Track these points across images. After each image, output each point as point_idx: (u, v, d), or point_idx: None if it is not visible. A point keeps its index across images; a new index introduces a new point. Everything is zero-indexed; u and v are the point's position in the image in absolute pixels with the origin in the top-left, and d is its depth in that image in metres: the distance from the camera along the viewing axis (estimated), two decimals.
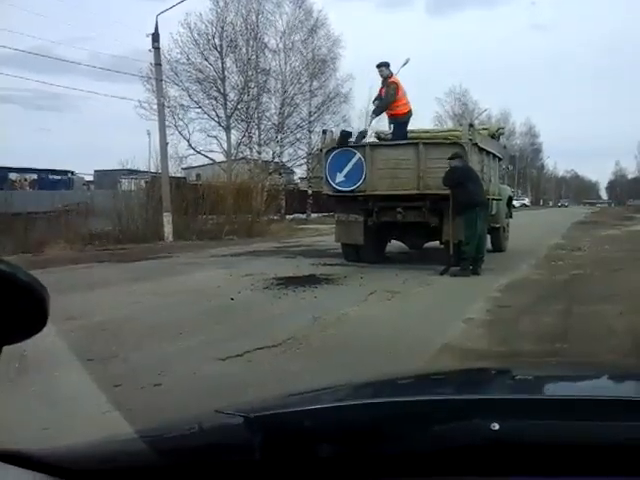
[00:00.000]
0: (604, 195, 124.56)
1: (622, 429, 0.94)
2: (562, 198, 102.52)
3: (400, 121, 10.62)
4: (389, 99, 10.45)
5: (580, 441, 0.92)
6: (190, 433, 1.09)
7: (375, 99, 10.97)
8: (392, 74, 10.60)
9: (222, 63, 27.85)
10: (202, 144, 27.80)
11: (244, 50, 28.15)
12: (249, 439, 0.97)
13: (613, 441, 0.91)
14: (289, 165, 31.75)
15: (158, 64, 18.06)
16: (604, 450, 0.90)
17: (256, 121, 28.75)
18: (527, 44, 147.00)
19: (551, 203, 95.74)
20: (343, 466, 0.94)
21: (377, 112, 11.00)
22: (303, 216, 29.98)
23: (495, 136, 12.57)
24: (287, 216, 27.55)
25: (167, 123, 20.38)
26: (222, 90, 27.87)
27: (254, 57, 28.35)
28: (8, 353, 0.72)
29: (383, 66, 10.65)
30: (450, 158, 9.09)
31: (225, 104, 27.92)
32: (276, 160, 29.48)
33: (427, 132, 11.56)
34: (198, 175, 28.60)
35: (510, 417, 0.97)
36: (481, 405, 1.08)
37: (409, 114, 10.76)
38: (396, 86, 10.43)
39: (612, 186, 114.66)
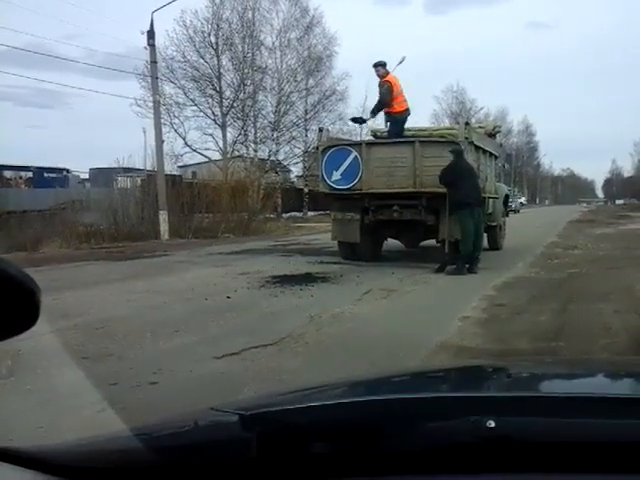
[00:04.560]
0: (600, 194, 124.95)
1: (618, 426, 0.94)
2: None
3: (397, 119, 10.63)
4: (384, 98, 10.51)
5: (576, 438, 0.92)
6: (185, 431, 1.08)
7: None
8: (388, 73, 10.60)
9: (218, 61, 27.86)
10: (198, 142, 27.83)
11: (240, 48, 28.19)
12: (244, 437, 0.97)
13: (609, 438, 0.91)
14: (285, 163, 31.80)
15: (154, 62, 18.05)
16: (600, 447, 0.90)
17: (252, 119, 28.77)
18: (525, 43, 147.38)
19: (547, 202, 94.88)
20: (338, 464, 0.93)
21: (374, 112, 11.03)
22: (299, 214, 29.99)
23: (492, 134, 12.59)
24: (283, 214, 27.56)
25: (163, 121, 20.42)
26: (218, 88, 27.85)
27: (250, 55, 28.36)
28: (1, 351, 0.71)
29: (379, 65, 10.65)
30: (450, 151, 9.11)
31: (221, 102, 27.91)
32: (272, 158, 29.49)
33: (424, 130, 11.55)
34: (194, 173, 28.49)
35: (506, 415, 0.97)
36: (477, 403, 1.07)
37: (406, 112, 10.76)
38: (390, 85, 10.43)
39: (608, 185, 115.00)
